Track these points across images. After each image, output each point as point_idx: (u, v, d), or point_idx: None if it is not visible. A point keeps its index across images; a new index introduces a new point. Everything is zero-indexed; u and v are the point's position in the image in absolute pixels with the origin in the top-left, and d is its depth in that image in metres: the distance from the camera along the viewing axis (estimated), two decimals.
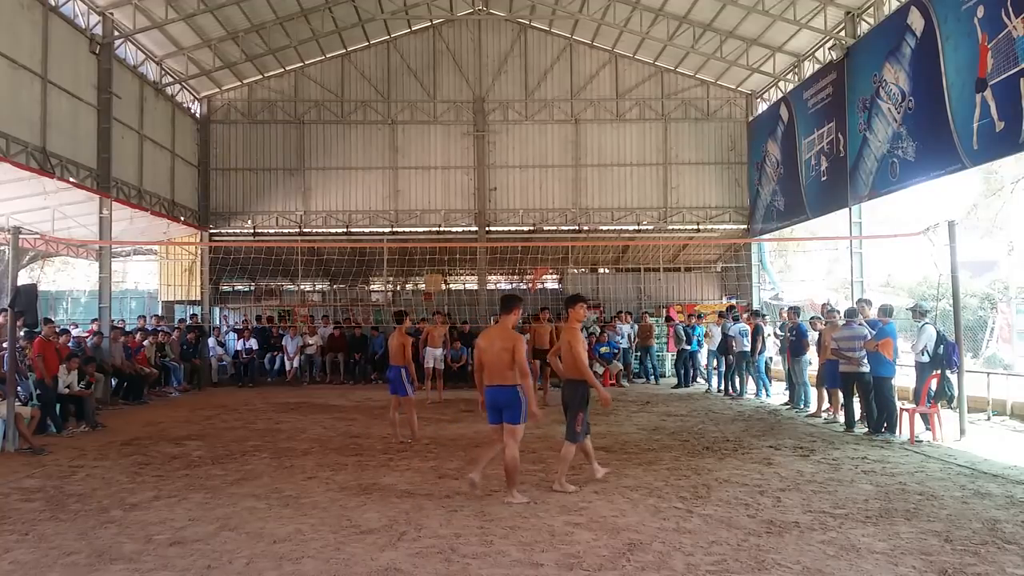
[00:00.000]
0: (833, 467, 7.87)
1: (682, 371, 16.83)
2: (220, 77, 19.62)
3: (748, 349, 14.14)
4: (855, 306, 11.21)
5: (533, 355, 14.29)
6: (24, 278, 20.04)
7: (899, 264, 28.56)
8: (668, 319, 19.01)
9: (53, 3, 13.25)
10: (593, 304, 20.02)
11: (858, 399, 10.42)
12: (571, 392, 6.97)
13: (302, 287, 22.01)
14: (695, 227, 20.76)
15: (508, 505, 6.32)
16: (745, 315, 15.07)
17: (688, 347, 16.65)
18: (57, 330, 12.46)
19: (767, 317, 15.59)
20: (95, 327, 14.72)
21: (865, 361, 10.08)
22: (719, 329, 15.38)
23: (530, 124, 20.68)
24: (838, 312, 11.50)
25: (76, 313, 24.27)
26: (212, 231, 20.40)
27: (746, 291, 20.34)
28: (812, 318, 12.87)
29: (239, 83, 20.23)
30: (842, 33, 15.09)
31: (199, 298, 20.10)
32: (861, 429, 10.21)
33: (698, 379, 16.96)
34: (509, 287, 22.04)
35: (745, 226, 20.60)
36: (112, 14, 15.06)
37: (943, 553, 5.01)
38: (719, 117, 20.75)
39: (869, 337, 10.07)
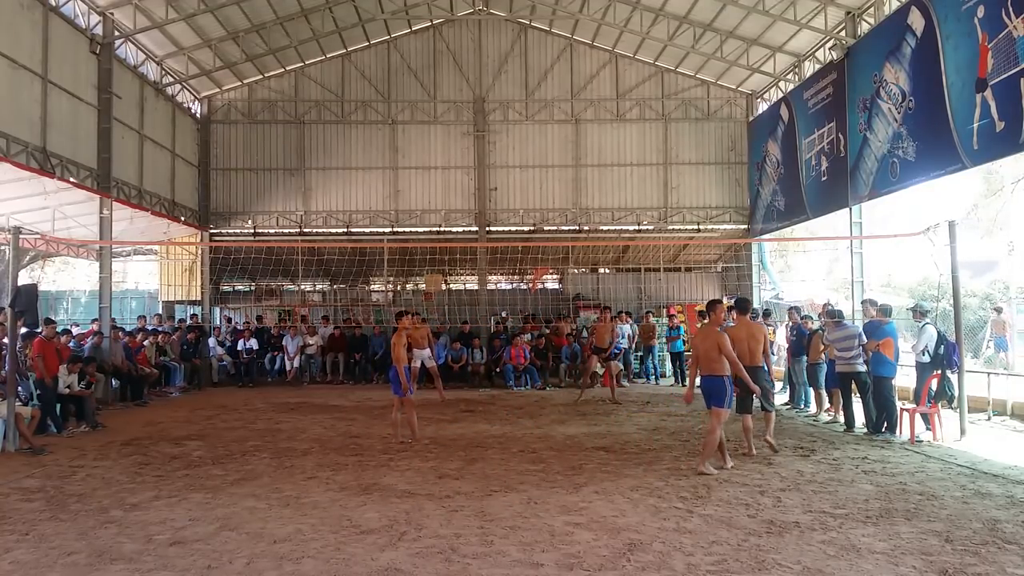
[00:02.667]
0: (833, 467, 7.87)
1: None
2: (220, 77, 19.62)
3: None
4: (861, 305, 11.23)
5: (594, 351, 14.70)
6: (24, 278, 20.04)
7: (899, 264, 28.57)
8: (701, 313, 18.68)
9: (53, 3, 13.25)
10: (594, 305, 20.05)
11: (858, 399, 10.44)
12: (751, 379, 8.20)
13: (302, 287, 22.01)
14: (695, 227, 20.75)
15: (700, 475, 7.35)
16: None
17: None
18: (58, 330, 12.44)
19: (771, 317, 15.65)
20: (95, 327, 14.72)
21: (861, 360, 10.09)
22: None
23: (530, 124, 20.68)
24: (839, 312, 11.51)
25: (76, 313, 24.28)
26: (212, 231, 20.40)
27: (746, 291, 20.31)
28: (803, 317, 12.84)
29: (239, 83, 20.23)
30: (842, 33, 15.09)
31: (199, 298, 20.09)
32: (861, 429, 10.21)
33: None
34: (509, 287, 22.04)
35: (745, 226, 20.60)
36: (112, 14, 15.06)
37: (943, 553, 5.00)
38: (719, 117, 20.75)
39: (862, 336, 10.09)
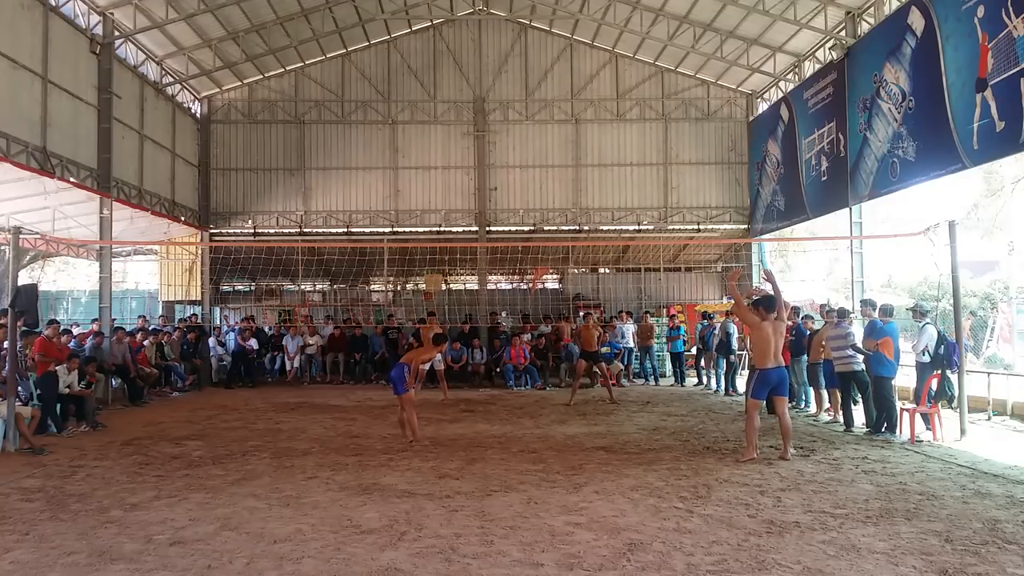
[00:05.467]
0: (833, 467, 7.86)
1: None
2: (220, 77, 19.62)
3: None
4: (860, 306, 11.25)
5: (581, 355, 14.46)
6: (24, 278, 20.04)
7: (900, 264, 28.58)
8: (705, 315, 18.41)
9: (53, 3, 13.25)
10: (594, 304, 20.05)
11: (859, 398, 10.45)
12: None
13: (302, 287, 22.02)
14: (695, 227, 20.76)
15: (786, 461, 7.98)
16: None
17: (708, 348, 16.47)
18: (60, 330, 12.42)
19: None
20: (96, 327, 14.71)
21: (858, 359, 10.10)
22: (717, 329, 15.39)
23: (530, 124, 20.68)
24: (834, 311, 11.53)
25: (76, 313, 24.27)
26: (212, 231, 20.41)
27: (746, 291, 20.28)
28: (804, 316, 12.86)
29: (239, 83, 20.24)
30: (842, 33, 15.10)
31: (199, 298, 20.09)
32: (861, 429, 10.21)
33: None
34: (509, 287, 22.05)
35: (745, 226, 20.60)
36: (112, 14, 15.07)
37: (944, 553, 5.00)
38: (719, 117, 20.76)
39: (852, 335, 10.13)
